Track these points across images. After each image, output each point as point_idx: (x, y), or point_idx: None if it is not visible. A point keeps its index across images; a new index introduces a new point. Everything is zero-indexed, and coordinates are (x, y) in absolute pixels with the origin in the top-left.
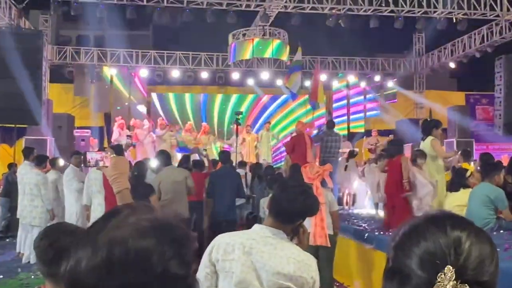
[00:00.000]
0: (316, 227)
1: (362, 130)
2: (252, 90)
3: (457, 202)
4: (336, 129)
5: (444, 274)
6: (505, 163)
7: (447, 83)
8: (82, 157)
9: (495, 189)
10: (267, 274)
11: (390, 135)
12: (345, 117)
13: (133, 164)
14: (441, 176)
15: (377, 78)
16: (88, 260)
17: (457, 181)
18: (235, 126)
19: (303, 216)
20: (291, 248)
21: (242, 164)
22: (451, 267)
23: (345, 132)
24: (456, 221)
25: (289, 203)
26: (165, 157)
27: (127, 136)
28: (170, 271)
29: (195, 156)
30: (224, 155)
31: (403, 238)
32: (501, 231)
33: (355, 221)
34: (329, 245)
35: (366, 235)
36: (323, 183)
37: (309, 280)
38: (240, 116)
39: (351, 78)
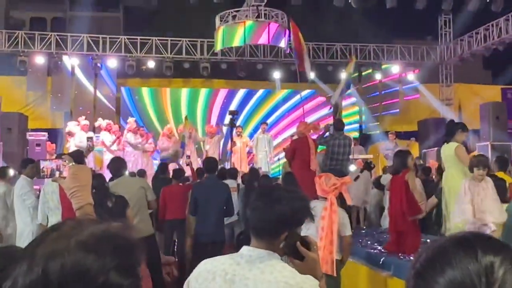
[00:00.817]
0: (324, 250)
1: (377, 132)
2: (244, 84)
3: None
4: (345, 131)
5: None
6: None
7: (479, 75)
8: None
9: None
10: None
11: (411, 139)
12: (357, 116)
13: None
14: None
15: (396, 69)
16: (24, 278)
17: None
18: (230, 128)
19: (287, 225)
20: (283, 271)
21: (233, 173)
22: None
23: (357, 134)
24: (488, 244)
25: (263, 212)
26: (117, 165)
27: (88, 138)
28: (112, 282)
29: (174, 165)
30: (210, 162)
31: (425, 265)
32: None
33: (368, 242)
34: (334, 274)
35: (382, 259)
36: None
37: None
38: (235, 116)
39: (364, 69)
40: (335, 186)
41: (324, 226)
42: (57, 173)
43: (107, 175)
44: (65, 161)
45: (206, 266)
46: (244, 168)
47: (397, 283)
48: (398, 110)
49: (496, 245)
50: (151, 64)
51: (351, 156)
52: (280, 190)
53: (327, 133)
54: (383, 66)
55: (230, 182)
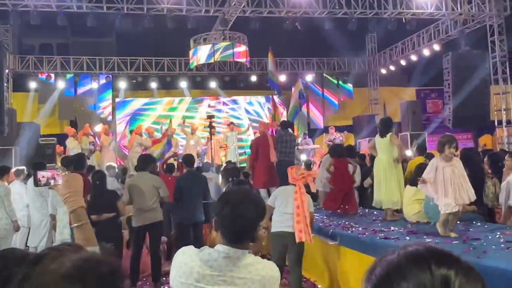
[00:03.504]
0: (300, 224)
1: (321, 127)
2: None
3: (417, 196)
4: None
5: None
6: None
7: (399, 79)
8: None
9: None
10: None
11: (344, 131)
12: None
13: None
14: (398, 169)
15: (333, 77)
16: None
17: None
18: (209, 129)
19: (256, 227)
20: (251, 268)
21: (208, 166)
22: None
23: (306, 130)
24: (441, 257)
25: (233, 222)
26: (144, 162)
27: (90, 143)
28: None
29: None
30: (188, 159)
31: (381, 279)
32: (458, 222)
33: (318, 217)
34: (312, 241)
35: (330, 231)
36: None
37: None
38: (213, 119)
39: (309, 78)
40: (302, 175)
41: (299, 204)
42: (52, 181)
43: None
44: (58, 170)
45: (185, 258)
46: (217, 160)
47: (343, 250)
48: (337, 109)
49: (449, 258)
50: (139, 79)
51: (301, 147)
52: (245, 199)
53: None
54: (325, 75)
55: (207, 174)
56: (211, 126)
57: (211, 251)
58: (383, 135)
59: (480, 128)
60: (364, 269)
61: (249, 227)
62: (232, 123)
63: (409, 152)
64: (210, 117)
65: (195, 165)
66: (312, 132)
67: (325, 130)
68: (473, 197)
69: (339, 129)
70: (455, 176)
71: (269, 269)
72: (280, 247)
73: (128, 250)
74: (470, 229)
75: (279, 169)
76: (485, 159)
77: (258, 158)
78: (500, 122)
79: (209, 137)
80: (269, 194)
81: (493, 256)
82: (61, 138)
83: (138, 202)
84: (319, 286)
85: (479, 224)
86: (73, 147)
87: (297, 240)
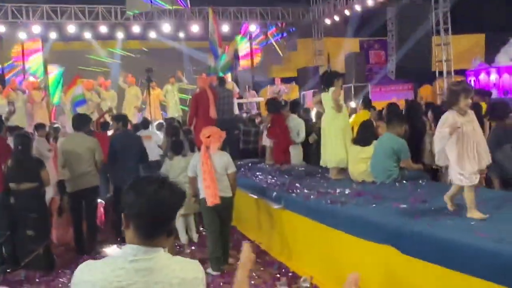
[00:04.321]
0: (208, 189)
1: (266, 79)
2: (156, 43)
3: (362, 155)
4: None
5: None
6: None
7: (343, 30)
8: None
9: (397, 140)
10: None
11: (292, 82)
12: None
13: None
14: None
15: (278, 27)
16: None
17: (367, 134)
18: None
19: (175, 216)
20: (167, 271)
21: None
22: None
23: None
24: None
25: (151, 217)
26: (76, 121)
27: (9, 103)
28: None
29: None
30: (120, 117)
31: None
32: (404, 182)
33: (260, 176)
34: (219, 202)
35: (274, 194)
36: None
37: None
38: (151, 73)
39: (253, 28)
40: (205, 136)
41: (205, 170)
42: None
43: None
44: None
45: (84, 277)
46: (158, 116)
47: (288, 214)
48: (281, 60)
49: None
50: (71, 29)
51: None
52: (163, 184)
53: None
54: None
55: (145, 131)
56: (149, 80)
57: (116, 258)
58: (325, 89)
59: (420, 79)
60: (310, 234)
61: (168, 215)
62: (172, 76)
63: (353, 104)
64: (148, 70)
65: (137, 121)
66: (257, 85)
67: (271, 82)
68: (490, 160)
69: (284, 80)
70: (477, 135)
71: (190, 270)
72: (209, 212)
73: (60, 218)
74: (418, 190)
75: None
76: (429, 113)
77: (198, 115)
78: (441, 73)
79: (148, 91)
80: None
81: (444, 224)
82: None
83: (73, 166)
84: (264, 249)
85: (424, 183)
86: None
87: (209, 205)
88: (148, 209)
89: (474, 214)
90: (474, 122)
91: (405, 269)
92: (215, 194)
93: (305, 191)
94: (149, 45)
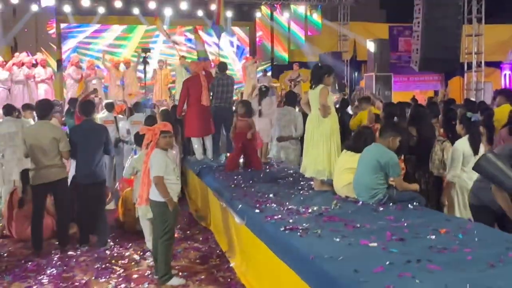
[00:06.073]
0: (143, 189)
1: (286, 63)
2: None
3: (350, 164)
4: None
5: None
6: (419, 99)
7: (376, 14)
8: None
9: (385, 153)
10: None
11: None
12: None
13: None
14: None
15: (302, 8)
16: None
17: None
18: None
19: None
20: None
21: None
22: None
23: (269, 65)
24: None
25: None
26: (40, 108)
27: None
28: None
29: None
30: (85, 106)
31: None
32: (391, 204)
33: (241, 180)
34: (146, 204)
35: (239, 206)
36: None
37: None
38: (149, 54)
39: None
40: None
41: (144, 169)
42: None
43: None
44: None
45: None
46: (165, 96)
47: (248, 233)
48: (304, 44)
49: None
50: (85, 2)
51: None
52: None
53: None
54: (292, 6)
55: (138, 115)
56: (145, 62)
57: None
58: (313, 86)
59: (447, 71)
60: (264, 260)
61: None
62: (183, 56)
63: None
64: (144, 50)
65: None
66: (276, 69)
67: (290, 66)
68: None
69: (304, 65)
70: None
71: None
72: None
73: (21, 209)
74: (402, 219)
75: (213, 116)
76: (440, 116)
77: (190, 102)
78: (469, 66)
79: (145, 72)
80: (203, 145)
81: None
82: None
83: (36, 157)
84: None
85: (415, 209)
86: (4, 79)
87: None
88: None
89: None
90: None
91: None
92: (145, 197)
93: (273, 206)
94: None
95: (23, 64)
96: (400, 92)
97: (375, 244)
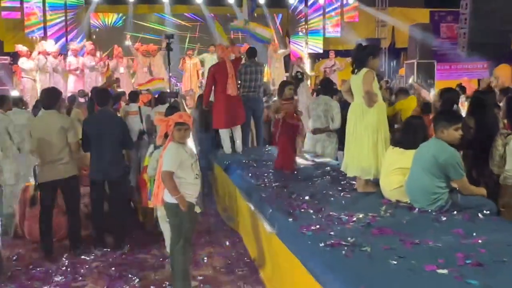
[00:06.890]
0: (159, 187)
1: (321, 51)
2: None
3: (400, 163)
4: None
5: None
6: (467, 87)
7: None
8: None
9: (444, 148)
10: None
11: (347, 59)
12: (303, 37)
13: None
14: (380, 122)
15: None
16: None
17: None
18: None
19: None
20: None
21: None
22: None
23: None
24: None
25: None
26: (45, 97)
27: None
28: None
29: None
30: (99, 95)
31: None
32: (455, 212)
33: (272, 178)
34: (161, 204)
35: (270, 211)
36: None
37: None
38: (172, 40)
39: None
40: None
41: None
42: None
43: None
44: None
45: None
46: (194, 87)
47: (279, 245)
48: (339, 31)
49: None
50: None
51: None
52: None
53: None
54: None
55: (131, 106)
56: (168, 48)
57: None
58: (355, 71)
59: (496, 57)
60: (303, 284)
61: None
62: (213, 45)
63: (432, 93)
64: (168, 37)
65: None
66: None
67: (326, 54)
68: None
69: (340, 54)
70: None
71: None
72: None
73: (32, 208)
74: (474, 233)
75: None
76: (502, 103)
77: (217, 91)
78: None
79: (168, 60)
80: (232, 137)
81: None
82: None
83: (43, 151)
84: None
85: (486, 217)
86: (29, 69)
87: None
88: None
89: None
90: None
91: None
92: (158, 195)
93: (310, 212)
94: (194, 10)
95: (48, 53)
96: (442, 81)
97: (445, 272)
